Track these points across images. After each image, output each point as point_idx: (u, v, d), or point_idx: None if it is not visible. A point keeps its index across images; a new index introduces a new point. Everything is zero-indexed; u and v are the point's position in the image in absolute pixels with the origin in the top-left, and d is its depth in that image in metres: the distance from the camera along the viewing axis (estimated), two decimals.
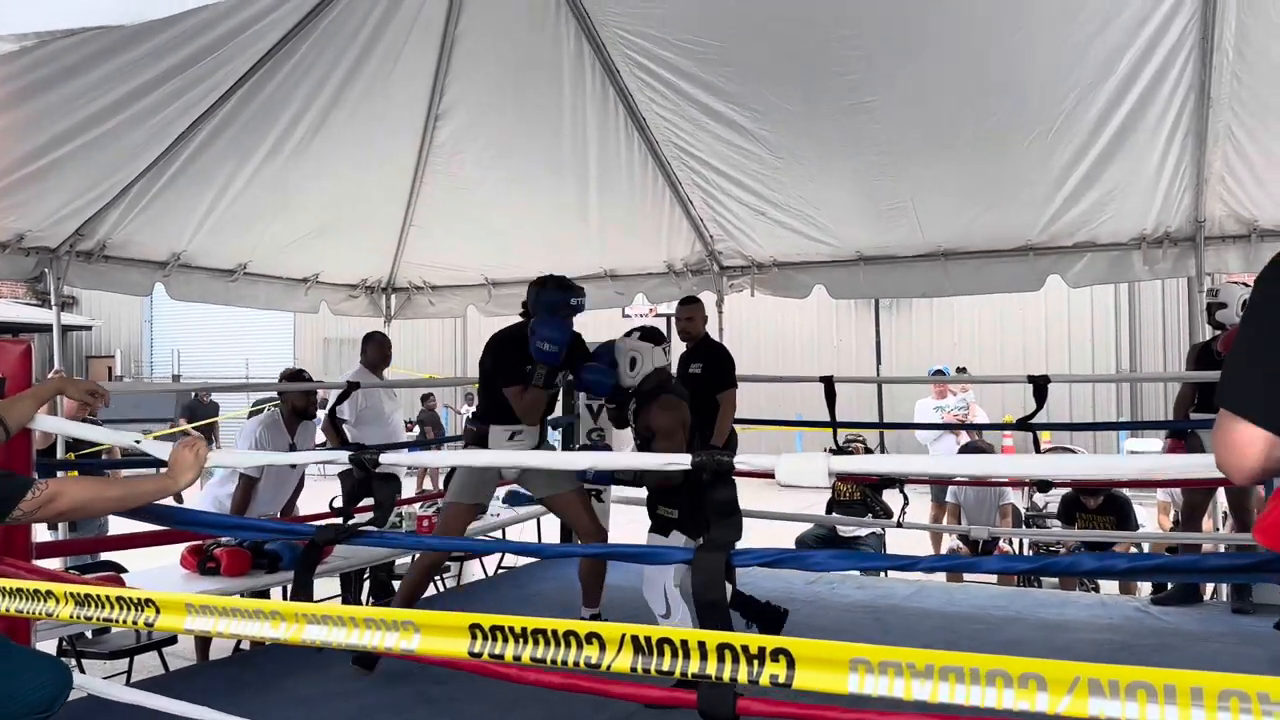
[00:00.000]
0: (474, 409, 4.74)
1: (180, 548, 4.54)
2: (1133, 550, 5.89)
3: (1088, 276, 5.73)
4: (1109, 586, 6.06)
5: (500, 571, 6.71)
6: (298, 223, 6.03)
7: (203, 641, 5.00)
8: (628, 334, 4.23)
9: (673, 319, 5.81)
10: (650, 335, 4.20)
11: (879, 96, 4.76)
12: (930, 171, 5.28)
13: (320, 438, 7.25)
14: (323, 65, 4.70)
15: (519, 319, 4.32)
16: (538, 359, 4.05)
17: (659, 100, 5.24)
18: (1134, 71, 4.38)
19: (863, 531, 6.68)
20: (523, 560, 6.44)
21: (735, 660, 1.29)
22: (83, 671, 3.99)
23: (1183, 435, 5.24)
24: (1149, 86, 4.45)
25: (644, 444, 4.08)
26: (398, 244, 6.88)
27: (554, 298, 4.15)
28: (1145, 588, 5.66)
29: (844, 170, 5.41)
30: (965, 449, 7.48)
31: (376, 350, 6.32)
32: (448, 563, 6.60)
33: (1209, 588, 5.45)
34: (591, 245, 6.63)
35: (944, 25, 4.34)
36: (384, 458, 2.62)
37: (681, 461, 1.93)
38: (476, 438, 4.29)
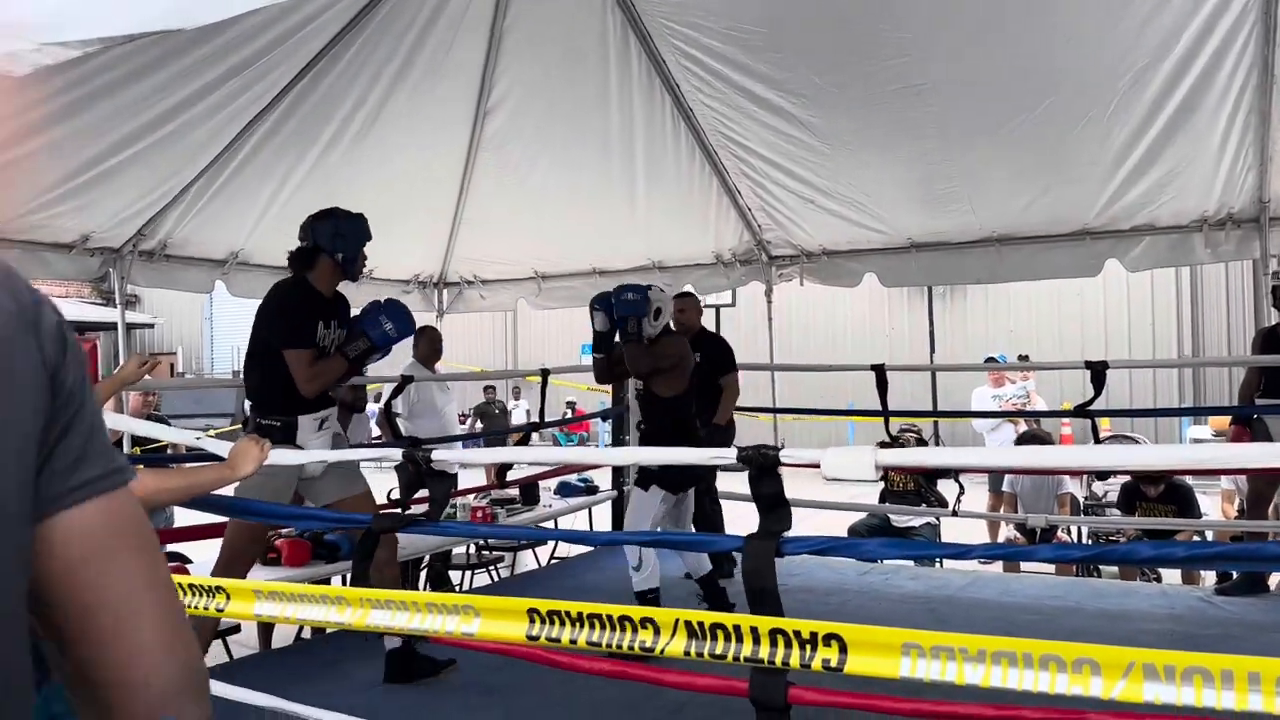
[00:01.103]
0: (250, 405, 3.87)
1: None
2: (1195, 539, 5.77)
3: (1147, 260, 5.60)
4: (1171, 576, 5.94)
5: (554, 561, 6.77)
6: None
7: (265, 630, 5.13)
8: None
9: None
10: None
11: (929, 80, 4.70)
12: (983, 155, 5.20)
13: (375, 431, 7.39)
14: (373, 63, 4.77)
15: (290, 272, 3.76)
16: (374, 340, 3.61)
17: (705, 89, 5.23)
18: (1193, 50, 4.27)
19: (917, 521, 6.62)
20: (575, 550, 6.50)
21: (788, 645, 1.30)
22: None
23: (1247, 421, 5.11)
24: (1209, 65, 4.34)
25: (646, 390, 4.50)
26: (449, 239, 6.96)
27: (360, 226, 3.68)
28: (1209, 577, 5.55)
29: (895, 156, 5.36)
30: (1023, 438, 7.37)
31: (428, 345, 6.41)
32: (502, 553, 6.69)
33: (1276, 577, 5.32)
34: (639, 236, 6.64)
35: (995, 7, 4.28)
36: (437, 454, 2.65)
37: (728, 456, 1.93)
38: (282, 433, 3.50)
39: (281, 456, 2.86)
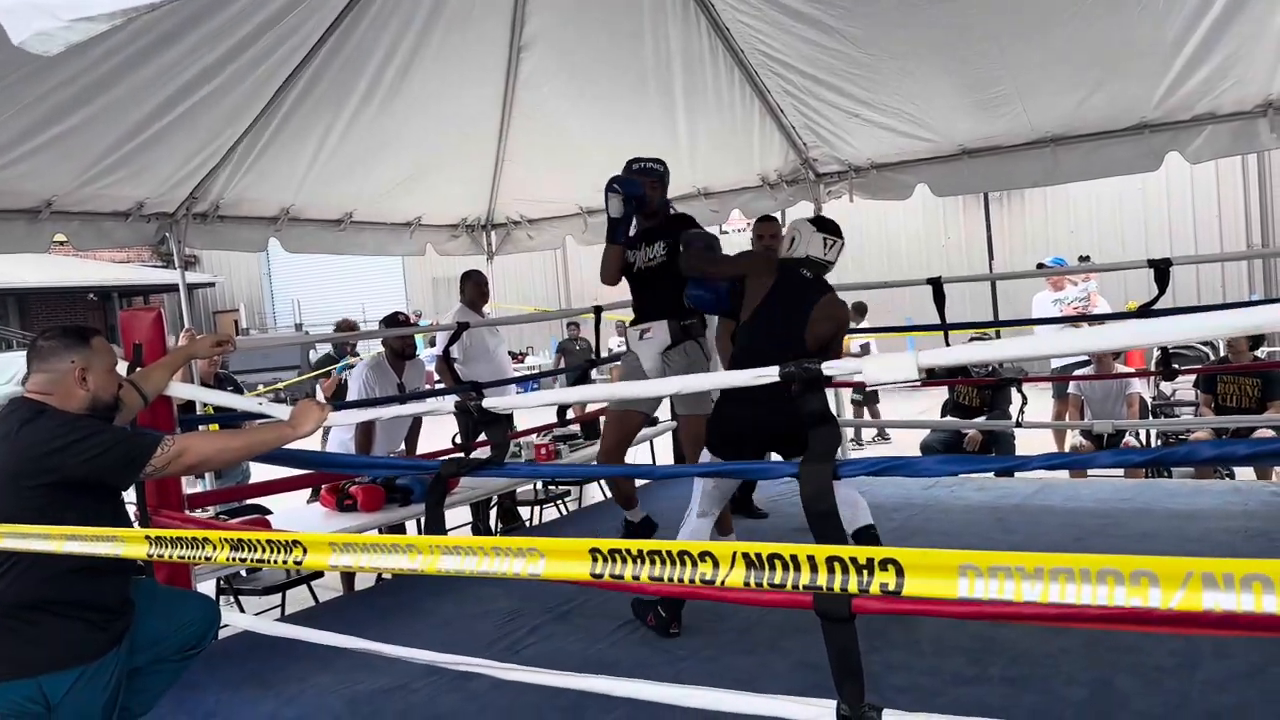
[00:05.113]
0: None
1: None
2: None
3: (1209, 150, 5.38)
4: (1244, 471, 5.84)
5: None
6: (396, 167, 6.15)
7: (348, 574, 5.32)
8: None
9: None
10: (826, 225, 3.65)
11: None
12: (1033, 53, 5.01)
13: (432, 375, 7.53)
14: (405, 8, 4.73)
15: None
16: (611, 209, 4.26)
17: (741, 6, 5.10)
18: None
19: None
20: (639, 482, 6.58)
21: (844, 571, 1.32)
22: (241, 610, 4.31)
23: None
24: None
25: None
26: (493, 181, 6.96)
27: (625, 182, 4.39)
28: None
29: (940, 61, 5.18)
30: None
31: (474, 289, 6.49)
32: (569, 487, 6.83)
33: None
34: (683, 164, 6.55)
35: None
36: (488, 402, 2.68)
37: (769, 374, 1.91)
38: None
39: (337, 417, 2.96)
